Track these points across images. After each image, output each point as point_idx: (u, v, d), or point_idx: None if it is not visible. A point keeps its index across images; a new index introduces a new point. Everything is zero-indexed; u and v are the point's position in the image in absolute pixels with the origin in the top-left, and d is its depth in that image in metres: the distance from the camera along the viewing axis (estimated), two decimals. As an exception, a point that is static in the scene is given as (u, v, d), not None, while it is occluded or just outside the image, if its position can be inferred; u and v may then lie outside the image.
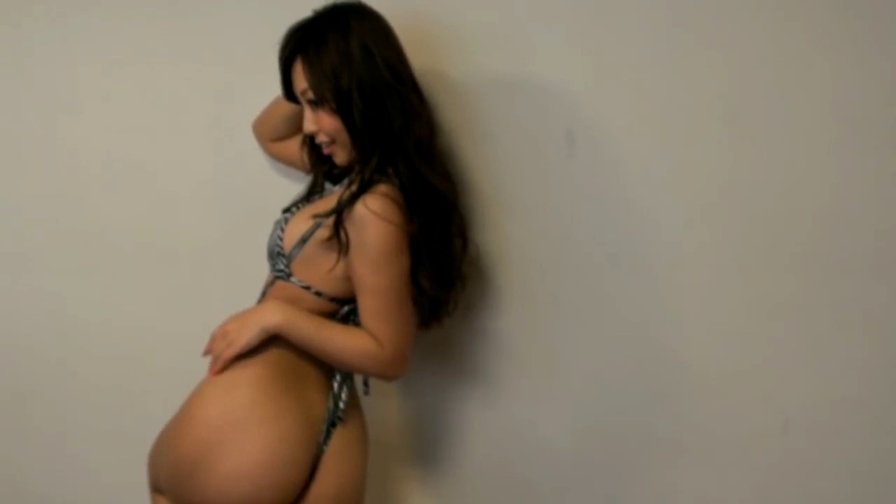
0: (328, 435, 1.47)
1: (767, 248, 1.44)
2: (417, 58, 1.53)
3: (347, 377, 1.52)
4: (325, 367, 1.50)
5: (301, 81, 1.44)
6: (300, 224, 1.48)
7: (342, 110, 1.42)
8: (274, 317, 1.43)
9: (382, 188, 1.42)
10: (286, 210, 1.58)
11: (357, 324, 1.48)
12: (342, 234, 1.40)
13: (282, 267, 1.49)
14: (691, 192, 1.48)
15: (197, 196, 1.87)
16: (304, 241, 1.46)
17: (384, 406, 1.83)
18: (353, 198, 1.40)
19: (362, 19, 1.44)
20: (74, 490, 2.02)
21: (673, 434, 1.58)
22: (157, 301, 1.92)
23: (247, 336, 1.42)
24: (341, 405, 1.49)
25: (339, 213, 1.40)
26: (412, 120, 1.44)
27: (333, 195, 1.48)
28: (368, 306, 1.43)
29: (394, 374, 1.47)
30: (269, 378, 1.43)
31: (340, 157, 1.50)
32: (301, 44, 1.43)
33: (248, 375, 1.43)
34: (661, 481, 1.61)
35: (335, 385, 1.50)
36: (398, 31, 1.49)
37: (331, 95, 1.41)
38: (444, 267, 1.52)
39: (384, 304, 1.42)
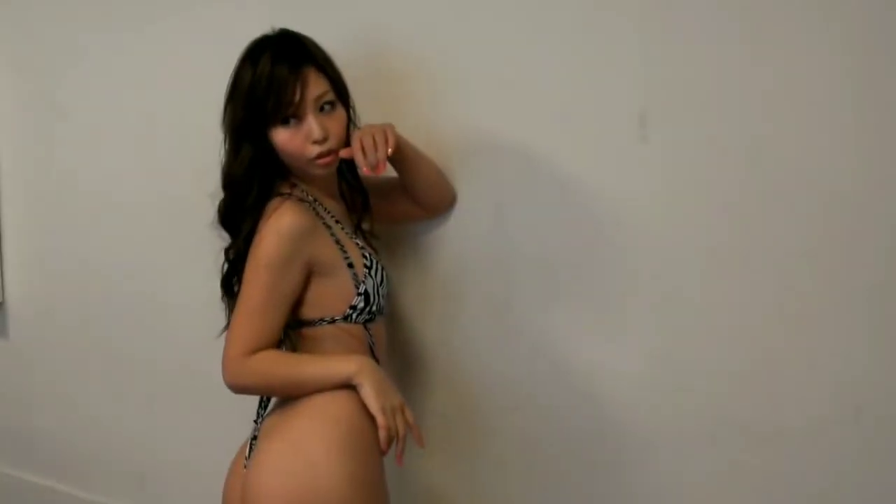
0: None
1: (843, 234, 1.41)
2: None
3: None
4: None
5: (317, 87, 1.50)
6: None
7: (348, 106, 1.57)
8: None
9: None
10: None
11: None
12: None
13: None
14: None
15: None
16: None
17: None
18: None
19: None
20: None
21: (740, 417, 1.54)
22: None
23: None
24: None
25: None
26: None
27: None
28: None
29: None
30: None
31: (334, 165, 1.56)
32: (309, 55, 1.51)
33: None
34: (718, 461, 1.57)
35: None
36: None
37: (345, 91, 1.57)
38: None
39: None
